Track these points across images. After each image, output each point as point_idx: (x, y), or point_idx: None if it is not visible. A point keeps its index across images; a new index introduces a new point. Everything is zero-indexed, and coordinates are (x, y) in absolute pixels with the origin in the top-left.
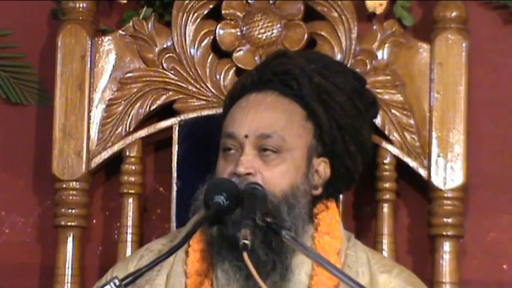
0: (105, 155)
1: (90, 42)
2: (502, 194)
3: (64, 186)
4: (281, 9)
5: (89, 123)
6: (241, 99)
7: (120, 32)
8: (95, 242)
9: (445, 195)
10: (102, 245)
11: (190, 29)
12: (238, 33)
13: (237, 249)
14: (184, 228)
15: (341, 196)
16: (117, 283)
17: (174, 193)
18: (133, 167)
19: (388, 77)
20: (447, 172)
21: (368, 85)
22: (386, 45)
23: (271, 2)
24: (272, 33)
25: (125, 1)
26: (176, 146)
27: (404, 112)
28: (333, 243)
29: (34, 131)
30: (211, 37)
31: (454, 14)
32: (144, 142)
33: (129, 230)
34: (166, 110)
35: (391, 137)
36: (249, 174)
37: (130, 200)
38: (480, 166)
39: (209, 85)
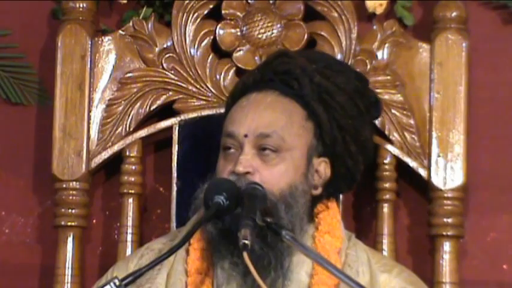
0: (105, 155)
1: (90, 42)
2: (502, 194)
3: (64, 186)
4: (281, 9)
5: (89, 123)
6: (242, 99)
7: (120, 32)
8: (95, 242)
9: (445, 195)
10: (102, 245)
11: (190, 29)
12: (238, 33)
13: (233, 243)
14: (184, 228)
15: (341, 196)
16: (117, 283)
17: (174, 193)
18: (133, 167)
19: (388, 77)
20: (447, 172)
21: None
22: (387, 45)
23: (271, 2)
24: (272, 33)
25: (125, 1)
26: (176, 146)
27: (404, 112)
28: (333, 243)
29: (34, 131)
30: (211, 37)
31: (454, 14)
32: (144, 142)
33: (129, 230)
34: (166, 110)
35: (391, 137)
36: (247, 173)
37: (130, 200)
38: (480, 166)
39: (209, 85)
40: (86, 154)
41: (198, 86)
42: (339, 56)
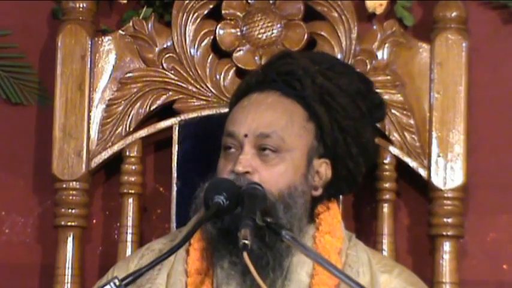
0: (105, 155)
1: (90, 42)
2: (502, 194)
3: (64, 186)
4: (281, 9)
5: (89, 123)
6: (244, 99)
7: (120, 32)
8: (95, 242)
9: (445, 195)
10: (102, 245)
11: (190, 29)
12: (238, 33)
13: (232, 243)
14: (185, 228)
15: (341, 196)
16: (117, 283)
17: (174, 193)
18: (133, 167)
19: (388, 77)
20: (447, 172)
21: None
22: (387, 45)
23: (271, 2)
24: (272, 33)
25: (125, 1)
26: (176, 146)
27: (404, 112)
28: (334, 243)
29: (34, 131)
30: (211, 37)
31: (454, 14)
32: (144, 142)
33: (129, 230)
34: (166, 110)
35: (391, 137)
36: (247, 172)
37: (130, 200)
38: (480, 166)
39: (209, 85)
40: (86, 154)
41: (198, 86)
42: (339, 56)
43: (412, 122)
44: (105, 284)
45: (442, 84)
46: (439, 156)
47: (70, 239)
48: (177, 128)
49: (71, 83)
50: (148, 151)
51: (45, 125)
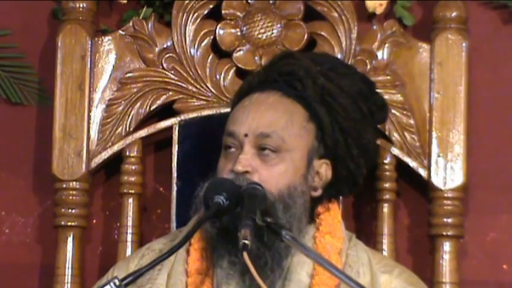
0: (105, 155)
1: (90, 42)
2: (502, 194)
3: (64, 186)
4: (281, 9)
5: (89, 123)
6: (245, 99)
7: (120, 32)
8: (95, 242)
9: (445, 195)
10: (102, 245)
11: (190, 29)
12: (238, 33)
13: (231, 243)
14: (185, 228)
15: (341, 196)
16: (117, 283)
17: (174, 193)
18: (134, 167)
19: (388, 77)
20: (447, 172)
21: None
22: (387, 45)
23: (271, 2)
24: (272, 33)
25: (125, 1)
26: (176, 146)
27: (404, 112)
28: (334, 243)
29: (34, 131)
30: (211, 37)
31: (454, 14)
32: (144, 142)
33: (129, 230)
34: (166, 110)
35: (391, 137)
36: (246, 172)
37: (130, 200)
38: (480, 166)
39: (209, 85)
40: (86, 154)
41: (198, 86)
42: (339, 56)
43: (412, 122)
44: (105, 284)
45: (442, 84)
46: (439, 156)
47: (70, 239)
48: (177, 128)
49: (71, 83)
50: (148, 151)
51: (45, 125)
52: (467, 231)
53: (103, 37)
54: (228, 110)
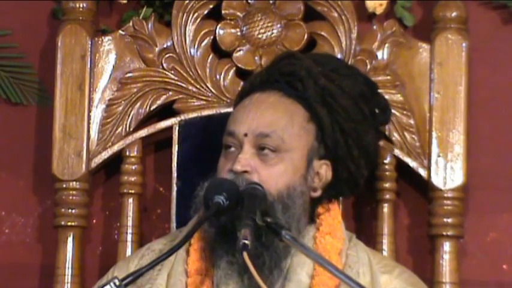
0: (105, 155)
1: (90, 42)
2: (502, 194)
3: (64, 186)
4: (281, 9)
5: (89, 123)
6: (246, 99)
7: (120, 32)
8: (95, 242)
9: (445, 195)
10: (102, 245)
11: (190, 29)
12: (238, 33)
13: (229, 242)
14: (185, 228)
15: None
16: (117, 283)
17: (174, 193)
18: (134, 167)
19: (388, 77)
20: (447, 172)
21: None
22: (387, 45)
23: (271, 2)
24: (272, 33)
25: (125, 1)
26: (176, 146)
27: (404, 112)
28: (334, 244)
29: (34, 131)
30: (211, 37)
31: (454, 14)
32: (144, 142)
33: (129, 230)
34: (166, 110)
35: (391, 137)
36: (245, 172)
37: (131, 200)
38: (480, 166)
39: (209, 85)
40: (86, 154)
41: (198, 86)
42: (338, 56)
43: (412, 122)
44: (105, 284)
45: (442, 84)
46: (439, 156)
47: (70, 239)
48: (177, 128)
49: (71, 83)
50: (148, 151)
51: (45, 125)
52: (467, 231)
53: (103, 37)
54: (228, 110)
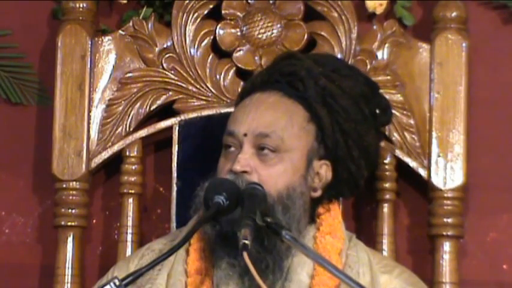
0: (105, 155)
1: (90, 42)
2: (502, 194)
3: (64, 186)
4: (281, 9)
5: (89, 123)
6: (246, 99)
7: (120, 32)
8: (95, 242)
9: (445, 195)
10: (102, 245)
11: (190, 29)
12: (238, 33)
13: (230, 245)
14: (185, 228)
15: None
16: (117, 283)
17: (174, 193)
18: (134, 167)
19: (388, 77)
20: (447, 172)
21: None
22: (387, 45)
23: (271, 2)
24: (272, 33)
25: (125, 1)
26: (176, 146)
27: (404, 112)
28: (334, 244)
29: (34, 131)
30: (211, 37)
31: (454, 14)
32: (144, 142)
33: (129, 230)
34: (166, 110)
35: (391, 137)
36: (245, 172)
37: (131, 200)
38: (480, 166)
39: (209, 85)
40: (86, 154)
41: (198, 86)
42: (338, 56)
43: (412, 122)
44: (105, 284)
45: (442, 84)
46: (439, 156)
47: (70, 239)
48: (177, 128)
49: (71, 83)
50: (148, 151)
51: (45, 125)
52: (467, 231)
53: (103, 37)
54: (228, 110)
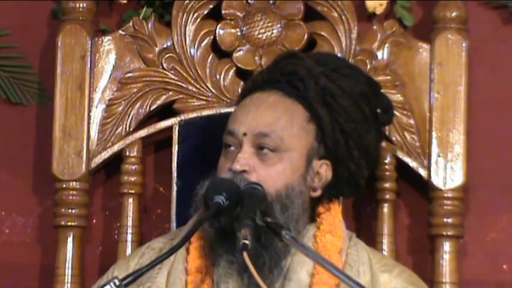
0: (105, 155)
1: (90, 42)
2: (502, 194)
3: (64, 186)
4: (281, 9)
5: (89, 123)
6: (246, 98)
7: (120, 32)
8: (95, 242)
9: (445, 195)
10: (102, 245)
11: (190, 29)
12: (238, 33)
13: (229, 242)
14: (185, 227)
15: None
16: (117, 283)
17: (174, 193)
18: (134, 167)
19: (388, 77)
20: (447, 172)
21: None
22: (387, 45)
23: (271, 2)
24: (272, 33)
25: (125, 1)
26: (176, 146)
27: (404, 112)
28: (334, 242)
29: (34, 131)
30: (211, 37)
31: (454, 14)
32: (144, 142)
33: (129, 230)
34: (166, 110)
35: (391, 137)
36: (244, 171)
37: (131, 200)
38: (480, 166)
39: (209, 85)
40: (86, 154)
41: (198, 86)
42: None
43: (412, 122)
44: (105, 284)
45: (442, 84)
46: (439, 156)
47: (70, 239)
48: (177, 128)
49: (71, 83)
50: (148, 151)
51: (45, 125)
52: (467, 231)
53: (103, 37)
54: (228, 110)
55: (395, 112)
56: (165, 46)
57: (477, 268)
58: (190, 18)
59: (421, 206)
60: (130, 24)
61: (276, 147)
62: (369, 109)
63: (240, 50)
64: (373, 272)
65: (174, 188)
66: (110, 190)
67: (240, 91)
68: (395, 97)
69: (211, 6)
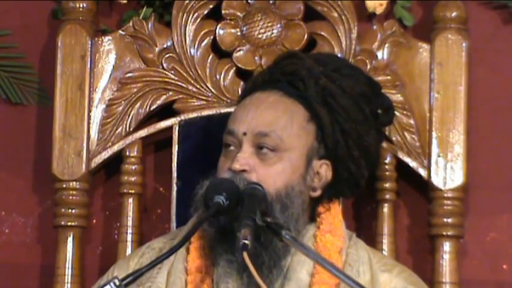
0: (105, 155)
1: (90, 42)
2: (502, 194)
3: (64, 186)
4: (281, 9)
5: (89, 123)
6: (247, 98)
7: (120, 32)
8: (95, 242)
9: (445, 195)
10: (102, 245)
11: (190, 29)
12: (238, 33)
13: (228, 242)
14: (185, 227)
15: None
16: (117, 283)
17: (174, 193)
18: (133, 167)
19: (388, 77)
20: (447, 172)
21: None
22: (387, 45)
23: (271, 2)
24: (272, 33)
25: (125, 1)
26: (176, 146)
27: (404, 112)
28: (334, 242)
29: (34, 131)
30: (211, 37)
31: (454, 14)
32: (144, 142)
33: (129, 230)
34: (166, 110)
35: (391, 137)
36: (244, 171)
37: (131, 200)
38: (480, 166)
39: (209, 85)
40: (86, 154)
41: (198, 86)
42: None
43: (412, 122)
44: (105, 284)
45: (442, 84)
46: (439, 156)
47: (70, 239)
48: (177, 128)
49: (71, 83)
50: (148, 151)
51: (45, 125)
52: (467, 231)
53: (103, 37)
54: (228, 110)
55: (395, 112)
56: (165, 46)
57: (477, 268)
58: (190, 18)
59: (421, 206)
60: (130, 24)
61: (275, 147)
62: (369, 109)
63: (240, 50)
64: (373, 272)
65: (174, 188)
66: (110, 190)
67: (240, 91)
68: (395, 97)
69: (211, 6)
